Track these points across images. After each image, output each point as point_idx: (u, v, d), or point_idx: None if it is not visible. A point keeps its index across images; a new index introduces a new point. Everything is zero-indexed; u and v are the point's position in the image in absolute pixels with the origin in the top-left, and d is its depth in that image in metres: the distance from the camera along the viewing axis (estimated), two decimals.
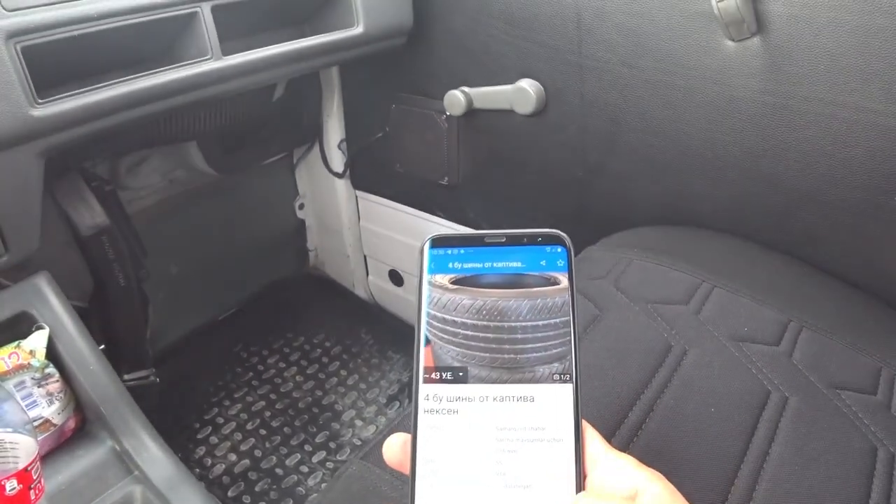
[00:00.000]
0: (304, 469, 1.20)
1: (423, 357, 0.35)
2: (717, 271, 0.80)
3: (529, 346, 0.35)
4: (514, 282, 0.36)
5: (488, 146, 1.15)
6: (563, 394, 0.34)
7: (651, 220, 0.98)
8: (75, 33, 0.71)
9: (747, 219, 0.91)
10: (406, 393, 1.36)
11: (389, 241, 1.47)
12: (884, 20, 0.71)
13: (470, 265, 0.36)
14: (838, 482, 0.57)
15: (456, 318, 0.35)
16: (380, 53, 1.10)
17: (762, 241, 0.90)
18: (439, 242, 0.37)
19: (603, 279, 0.79)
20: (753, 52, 0.80)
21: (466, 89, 1.09)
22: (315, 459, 1.22)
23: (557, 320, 0.35)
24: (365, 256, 1.57)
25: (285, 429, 1.28)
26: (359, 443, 1.25)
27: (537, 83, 1.01)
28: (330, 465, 1.21)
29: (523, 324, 0.35)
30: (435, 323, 0.35)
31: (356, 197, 1.48)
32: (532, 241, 0.36)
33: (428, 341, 0.35)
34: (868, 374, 0.68)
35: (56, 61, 0.73)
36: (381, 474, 0.57)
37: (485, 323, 0.35)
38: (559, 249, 0.36)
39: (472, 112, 1.11)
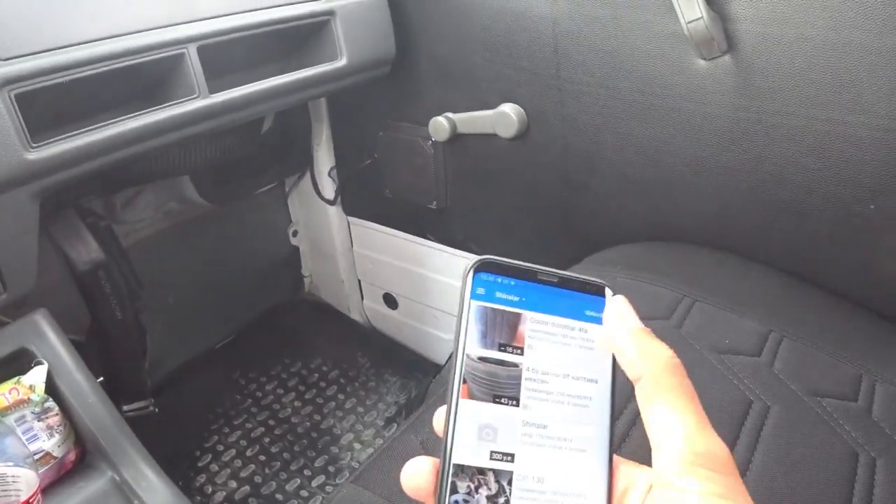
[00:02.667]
0: (304, 493, 1.21)
1: (460, 385, 0.32)
2: (699, 285, 0.82)
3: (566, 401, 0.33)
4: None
5: (474, 170, 1.17)
6: (600, 447, 0.33)
7: (634, 237, 1.00)
8: (67, 79, 0.74)
9: (728, 232, 0.92)
10: (403, 415, 1.37)
11: (382, 265, 1.49)
12: (850, 34, 0.73)
13: (518, 299, 0.33)
14: (820, 488, 0.58)
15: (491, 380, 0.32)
16: (365, 83, 1.12)
17: (743, 253, 0.92)
18: (488, 267, 0.33)
19: None
20: (726, 70, 0.82)
21: (450, 115, 1.12)
22: (315, 484, 1.23)
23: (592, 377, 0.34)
24: (359, 281, 1.59)
25: (285, 454, 1.29)
26: (357, 466, 1.26)
27: (519, 107, 1.04)
28: (329, 489, 1.22)
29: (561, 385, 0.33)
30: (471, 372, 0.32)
31: (348, 223, 1.50)
32: (581, 287, 0.34)
33: (465, 380, 0.32)
34: (849, 382, 0.70)
35: (48, 105, 0.75)
36: (372, 497, 0.59)
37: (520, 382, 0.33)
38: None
39: (456, 137, 1.14)
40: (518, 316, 0.33)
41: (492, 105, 1.07)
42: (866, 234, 0.81)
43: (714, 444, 0.29)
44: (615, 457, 0.33)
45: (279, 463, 1.27)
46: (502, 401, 0.32)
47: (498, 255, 0.34)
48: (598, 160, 0.99)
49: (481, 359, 0.32)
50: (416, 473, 0.31)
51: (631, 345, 0.32)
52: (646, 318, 0.76)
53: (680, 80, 0.86)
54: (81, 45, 0.75)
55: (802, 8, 0.75)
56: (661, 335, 0.73)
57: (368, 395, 1.43)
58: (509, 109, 1.03)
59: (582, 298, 0.34)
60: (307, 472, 1.26)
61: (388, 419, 1.37)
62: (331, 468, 1.27)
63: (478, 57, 1.05)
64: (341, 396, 1.43)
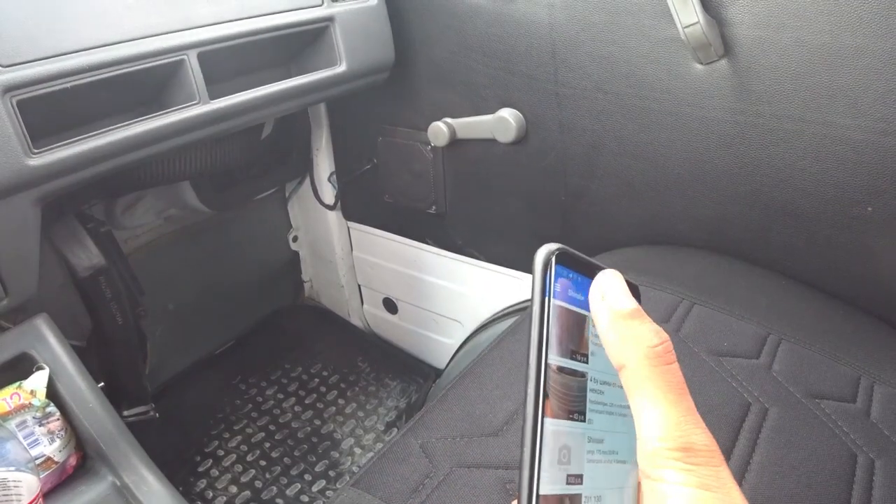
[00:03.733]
0: (305, 499, 1.21)
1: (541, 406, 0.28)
2: (697, 288, 0.82)
3: None
4: None
5: (473, 175, 1.18)
6: None
7: (633, 241, 1.00)
8: (68, 85, 0.74)
9: (726, 235, 0.93)
10: (404, 419, 1.38)
11: (382, 270, 1.49)
12: (846, 38, 0.73)
13: (582, 298, 0.30)
14: (818, 489, 0.58)
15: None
16: (365, 88, 1.13)
17: (741, 256, 0.92)
18: (564, 260, 0.29)
19: None
20: (722, 75, 0.83)
21: (449, 120, 1.12)
22: (315, 489, 1.23)
23: None
24: (359, 286, 1.59)
25: (285, 459, 1.29)
26: (358, 470, 1.26)
27: (517, 112, 1.04)
28: (330, 493, 1.22)
29: None
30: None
31: (348, 228, 1.51)
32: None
33: (546, 395, 0.28)
34: (847, 383, 0.70)
35: (50, 112, 0.76)
36: (372, 500, 0.59)
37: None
38: None
39: (456, 142, 1.14)
40: (584, 318, 0.30)
41: (490, 110, 1.07)
42: (864, 237, 0.82)
43: (692, 436, 0.28)
44: None
45: (279, 468, 1.28)
46: (574, 416, 0.29)
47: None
48: (596, 165, 0.99)
49: (560, 369, 0.29)
50: None
51: (610, 330, 0.30)
52: None
53: (677, 85, 0.87)
54: (82, 52, 0.76)
55: (798, 12, 0.75)
56: None
57: (369, 399, 1.43)
58: (508, 115, 1.04)
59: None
60: (307, 477, 1.26)
61: (389, 424, 1.37)
62: (331, 473, 1.27)
63: (476, 63, 1.06)
64: (342, 401, 1.43)
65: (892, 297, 0.84)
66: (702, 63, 0.84)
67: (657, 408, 0.29)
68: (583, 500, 0.29)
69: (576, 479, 0.29)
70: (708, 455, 0.28)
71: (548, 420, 0.28)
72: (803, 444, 0.62)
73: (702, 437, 0.29)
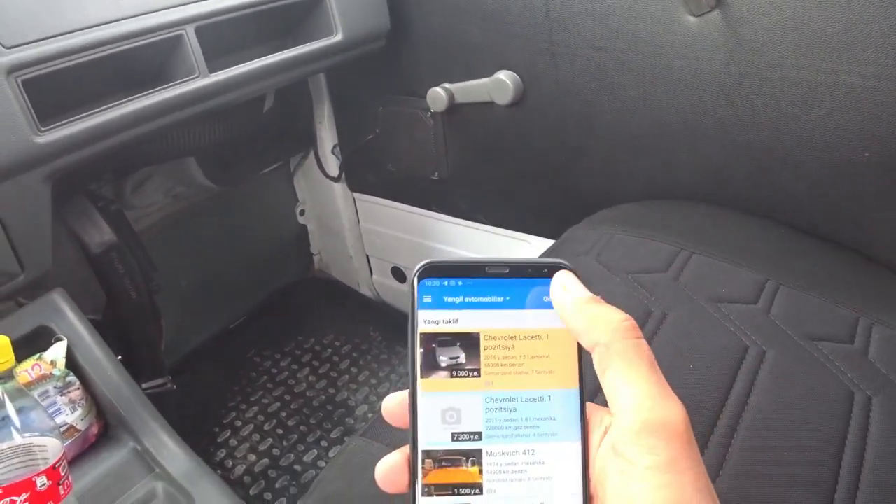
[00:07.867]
0: (322, 464, 1.24)
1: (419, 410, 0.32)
2: (696, 239, 0.83)
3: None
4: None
5: (473, 139, 1.19)
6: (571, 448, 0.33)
7: (634, 196, 1.01)
8: (71, 63, 0.76)
9: (725, 187, 0.93)
10: None
11: (390, 240, 1.51)
12: None
13: (469, 299, 0.33)
14: (815, 424, 0.59)
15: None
16: (362, 57, 1.13)
17: (741, 207, 0.93)
18: (433, 272, 0.32)
19: (585, 255, 0.82)
20: (715, 26, 0.83)
21: (448, 85, 1.13)
22: (331, 454, 1.26)
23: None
24: (367, 256, 1.61)
25: (301, 427, 1.32)
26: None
27: (514, 73, 1.05)
28: None
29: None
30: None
31: (354, 199, 1.52)
32: (537, 272, 0.33)
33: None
34: (845, 325, 0.71)
35: (55, 90, 0.77)
36: (380, 447, 0.61)
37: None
38: None
39: (455, 107, 1.15)
40: (474, 315, 0.33)
41: (488, 73, 1.08)
42: (861, 182, 0.82)
43: (665, 410, 0.29)
44: (590, 405, 0.34)
45: (296, 435, 1.31)
46: (463, 375, 0.32)
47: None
48: (594, 122, 1.00)
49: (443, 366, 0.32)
50: (390, 469, 0.32)
51: (577, 315, 0.32)
52: (644, 271, 0.78)
53: (670, 38, 0.87)
54: (83, 31, 0.77)
55: None
56: (658, 287, 0.75)
57: (381, 367, 1.46)
58: (505, 76, 1.04)
59: (539, 283, 0.33)
60: (324, 444, 1.29)
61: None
62: (346, 438, 1.29)
63: (471, 25, 1.06)
64: (354, 370, 1.45)
65: (889, 241, 0.85)
66: (694, 15, 0.84)
67: (629, 380, 0.30)
68: (483, 453, 0.31)
69: (471, 435, 0.32)
70: (677, 430, 0.29)
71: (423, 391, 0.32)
72: (800, 384, 0.63)
73: (675, 410, 0.29)
